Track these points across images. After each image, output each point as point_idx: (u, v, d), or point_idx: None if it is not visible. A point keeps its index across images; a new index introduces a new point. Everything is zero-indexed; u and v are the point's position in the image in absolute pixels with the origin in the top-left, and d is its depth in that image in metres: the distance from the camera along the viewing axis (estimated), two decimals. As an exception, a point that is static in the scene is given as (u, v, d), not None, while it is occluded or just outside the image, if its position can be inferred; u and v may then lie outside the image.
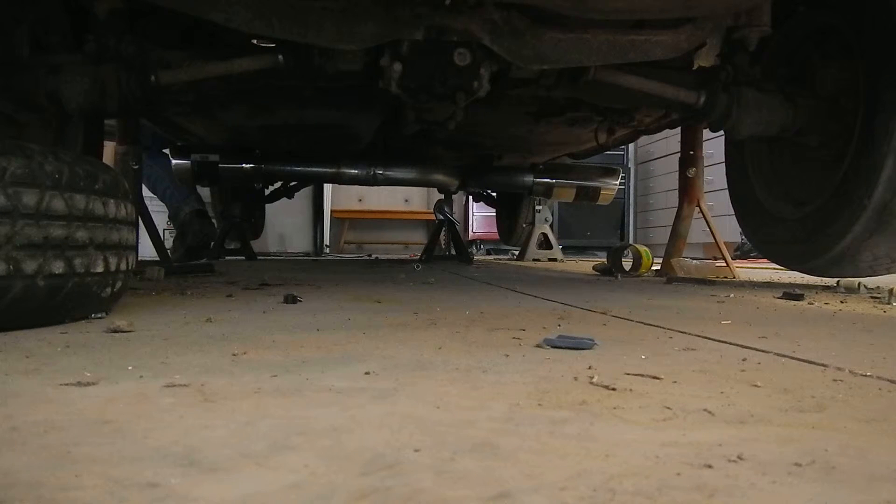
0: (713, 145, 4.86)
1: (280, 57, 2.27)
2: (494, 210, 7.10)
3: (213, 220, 5.06)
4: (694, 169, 3.38)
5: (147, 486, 0.46)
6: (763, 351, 1.07)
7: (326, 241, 8.59)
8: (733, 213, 3.03)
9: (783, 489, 0.48)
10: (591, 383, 0.81)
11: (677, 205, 3.43)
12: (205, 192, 6.05)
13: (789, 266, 2.73)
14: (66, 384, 0.77)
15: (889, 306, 1.88)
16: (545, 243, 5.95)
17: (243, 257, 5.31)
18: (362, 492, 0.46)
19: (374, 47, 2.07)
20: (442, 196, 5.39)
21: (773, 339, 1.19)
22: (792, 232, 2.55)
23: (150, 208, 3.38)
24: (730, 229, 5.06)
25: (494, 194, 6.24)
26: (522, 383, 0.81)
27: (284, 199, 5.69)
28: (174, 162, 4.15)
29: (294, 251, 8.08)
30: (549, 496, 0.46)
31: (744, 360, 0.98)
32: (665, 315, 1.57)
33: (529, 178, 4.74)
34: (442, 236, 5.97)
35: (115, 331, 1.17)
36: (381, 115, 3.51)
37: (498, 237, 7.43)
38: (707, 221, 3.40)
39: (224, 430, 0.60)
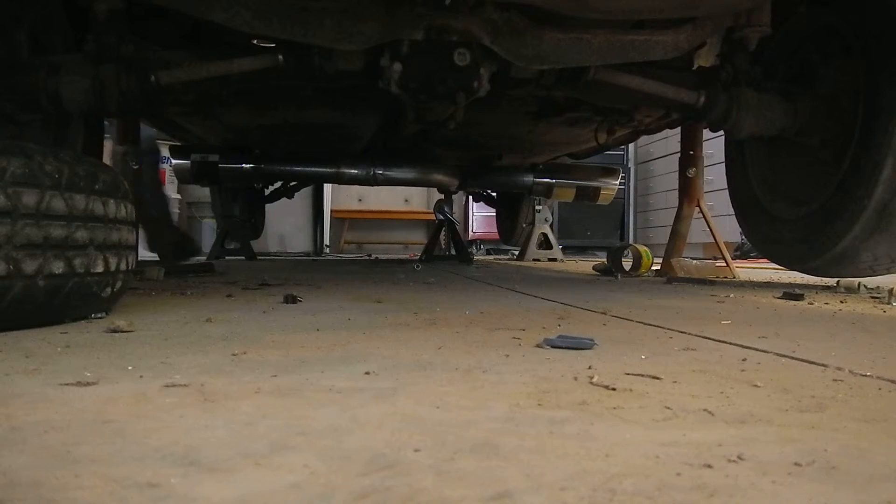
0: (713, 145, 4.86)
1: (280, 57, 2.27)
2: (494, 210, 7.11)
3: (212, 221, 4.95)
4: (694, 169, 3.38)
5: (147, 486, 0.46)
6: (763, 351, 1.07)
7: (326, 241, 8.59)
8: (733, 213, 3.03)
9: (783, 489, 0.48)
10: (592, 383, 0.81)
11: (677, 205, 3.43)
12: (205, 192, 6.06)
13: (789, 266, 2.73)
14: (66, 384, 0.77)
15: (889, 306, 1.88)
16: (545, 243, 5.95)
17: (243, 257, 5.32)
18: (362, 492, 0.46)
19: (374, 47, 2.08)
20: (442, 196, 5.40)
21: (773, 339, 1.19)
22: (792, 232, 2.55)
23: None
24: (730, 229, 5.06)
25: (494, 194, 6.25)
26: (522, 383, 0.81)
27: (284, 199, 5.70)
28: (174, 162, 4.15)
29: (294, 251, 8.09)
30: (549, 496, 0.46)
31: (744, 360, 0.98)
32: (665, 315, 1.57)
33: (529, 178, 4.74)
34: (442, 236, 5.97)
35: (115, 331, 1.17)
36: (381, 115, 3.51)
37: (498, 237, 7.44)
38: (707, 221, 3.40)
39: (224, 430, 0.60)
